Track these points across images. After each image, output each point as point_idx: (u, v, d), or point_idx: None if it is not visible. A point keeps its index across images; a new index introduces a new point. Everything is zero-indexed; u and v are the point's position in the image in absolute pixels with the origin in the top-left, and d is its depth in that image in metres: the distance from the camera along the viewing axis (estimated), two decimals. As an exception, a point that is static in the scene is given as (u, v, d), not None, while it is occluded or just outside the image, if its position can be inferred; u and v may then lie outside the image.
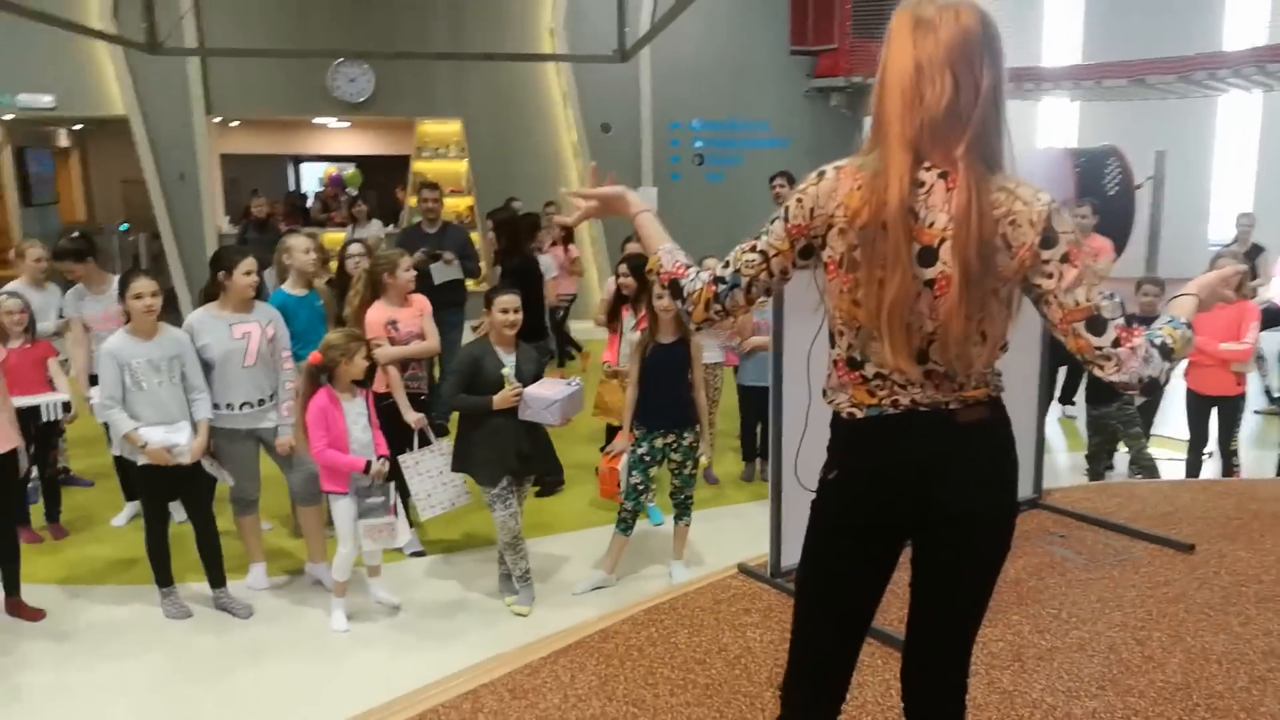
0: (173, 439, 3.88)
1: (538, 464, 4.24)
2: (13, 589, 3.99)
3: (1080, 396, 6.42)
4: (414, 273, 4.76)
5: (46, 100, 10.40)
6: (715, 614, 3.36)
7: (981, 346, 1.70)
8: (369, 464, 3.91)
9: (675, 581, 4.29)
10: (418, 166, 11.45)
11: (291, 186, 15.01)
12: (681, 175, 12.02)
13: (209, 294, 4.21)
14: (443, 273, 6.56)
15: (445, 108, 11.30)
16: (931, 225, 1.66)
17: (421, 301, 4.73)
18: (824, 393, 1.87)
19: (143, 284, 3.85)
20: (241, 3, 10.51)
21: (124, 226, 13.11)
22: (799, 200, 1.75)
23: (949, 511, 1.75)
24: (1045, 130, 15.10)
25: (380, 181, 13.36)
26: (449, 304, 6.34)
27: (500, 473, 4.02)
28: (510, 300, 4.08)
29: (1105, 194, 11.78)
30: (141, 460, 3.86)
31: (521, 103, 11.44)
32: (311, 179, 15.17)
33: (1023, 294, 1.73)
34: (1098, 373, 1.73)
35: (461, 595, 4.30)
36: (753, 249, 1.81)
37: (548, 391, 3.99)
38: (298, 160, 15.22)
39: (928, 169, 1.67)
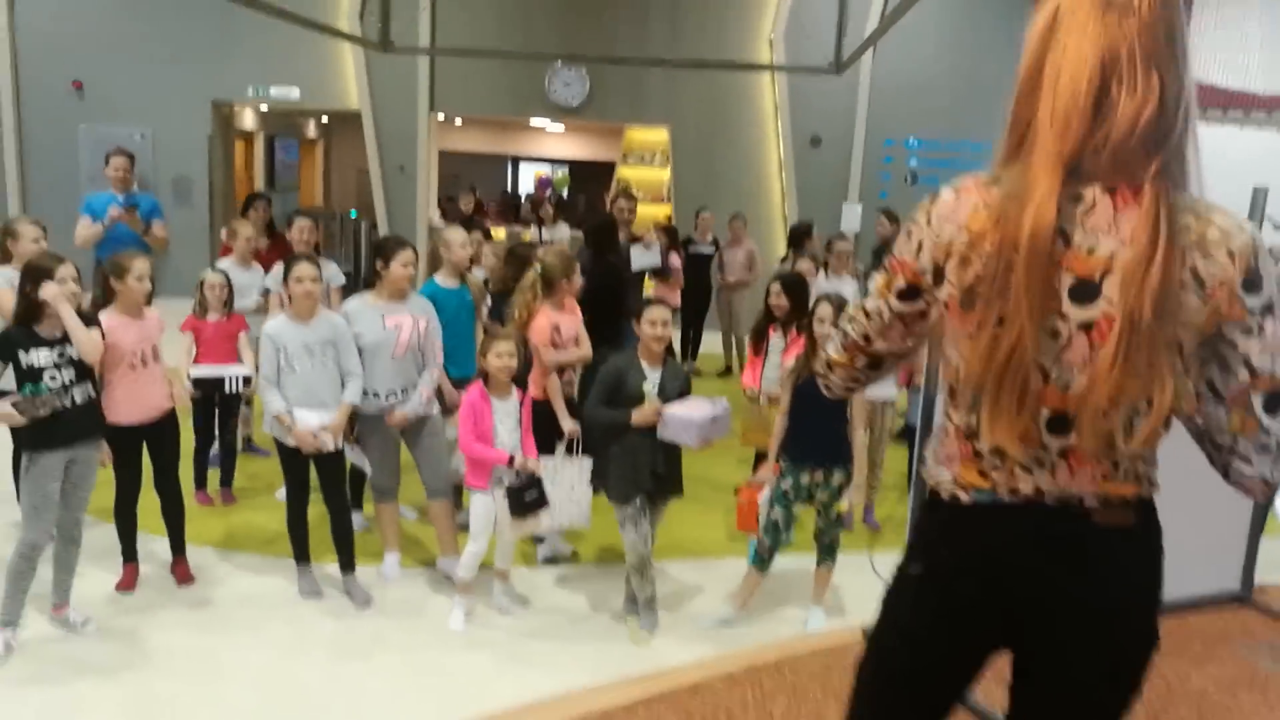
0: (318, 421, 3.96)
1: (672, 486, 4.03)
2: (178, 548, 4.21)
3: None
4: (581, 279, 4.72)
5: (294, 93, 11.26)
6: (824, 682, 3.02)
7: (1143, 420, 1.29)
8: (512, 458, 3.87)
9: (810, 629, 4.03)
10: (622, 172, 11.54)
11: (509, 186, 15.59)
12: (889, 194, 11.45)
13: (369, 282, 4.30)
14: (641, 258, 6.41)
15: (654, 114, 11.32)
16: (1092, 252, 1.30)
17: (576, 307, 4.67)
18: (921, 459, 1.55)
19: (304, 269, 3.97)
20: (470, 6, 10.95)
21: (354, 214, 14.04)
22: (908, 232, 1.46)
23: (1054, 637, 1.38)
24: (1243, 166, 13.17)
25: (589, 186, 13.62)
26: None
27: (633, 492, 3.85)
28: (660, 314, 3.93)
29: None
30: (289, 441, 3.98)
31: (731, 112, 11.28)
32: (528, 179, 15.70)
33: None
34: (1238, 465, 1.34)
35: (587, 612, 4.16)
36: (863, 310, 1.55)
37: (690, 411, 3.78)
38: (516, 160, 15.79)
39: (1087, 184, 1.30)
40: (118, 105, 10.99)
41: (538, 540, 4.59)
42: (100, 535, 4.35)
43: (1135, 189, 1.28)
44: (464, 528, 4.20)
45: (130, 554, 4.11)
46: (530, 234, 8.83)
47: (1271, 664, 3.27)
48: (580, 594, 4.32)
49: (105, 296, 4.04)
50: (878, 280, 1.51)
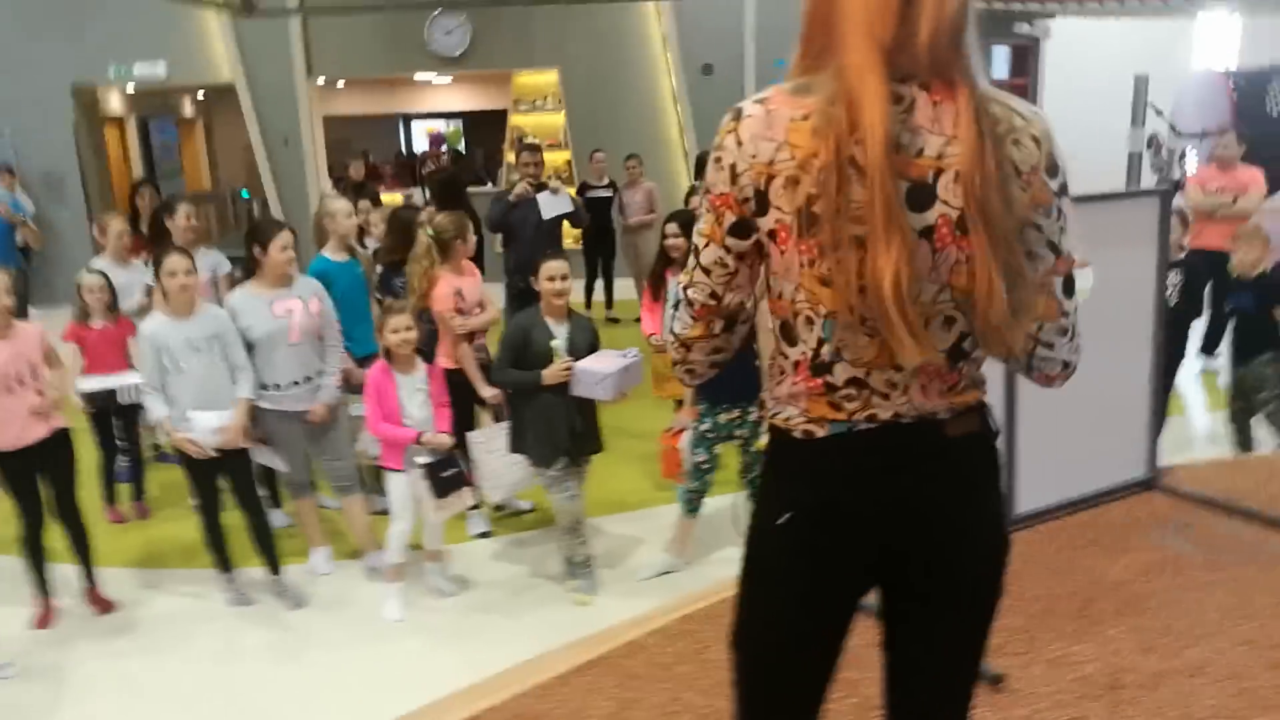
0: (216, 423, 3.81)
1: (592, 443, 3.99)
2: (89, 578, 4.03)
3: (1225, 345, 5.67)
4: (475, 238, 4.58)
5: (160, 70, 10.67)
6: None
7: (1014, 321, 1.28)
8: (421, 435, 3.78)
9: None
10: (515, 120, 11.26)
11: (402, 146, 15.14)
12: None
13: (248, 271, 4.10)
14: (551, 205, 6.24)
15: (542, 57, 11.01)
16: (920, 154, 1.24)
17: (475, 269, 4.56)
18: (760, 404, 1.48)
19: (175, 261, 3.77)
20: (335, -38, 10.45)
21: (245, 194, 13.50)
22: (717, 160, 1.31)
23: (938, 555, 1.38)
24: (1200, 51, 13.60)
25: (484, 136, 13.30)
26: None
27: (553, 454, 3.81)
28: (558, 267, 3.86)
29: (1268, 119, 10.54)
30: (189, 448, 3.81)
31: (620, 48, 11.04)
32: (421, 138, 15.26)
33: None
34: (1041, 351, 1.37)
35: (527, 581, 4.13)
36: (699, 269, 1.38)
37: (601, 365, 3.74)
38: (406, 118, 15.32)
39: (902, 82, 1.24)
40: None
41: (473, 509, 4.49)
42: (10, 568, 4.15)
43: (947, 83, 1.24)
44: (384, 512, 4.11)
45: (43, 587, 3.93)
46: (416, 196, 8.57)
47: (1182, 544, 3.41)
48: (519, 564, 4.30)
49: None
50: (702, 227, 1.36)
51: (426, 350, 4.17)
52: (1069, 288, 1.35)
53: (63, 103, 10.60)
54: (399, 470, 3.85)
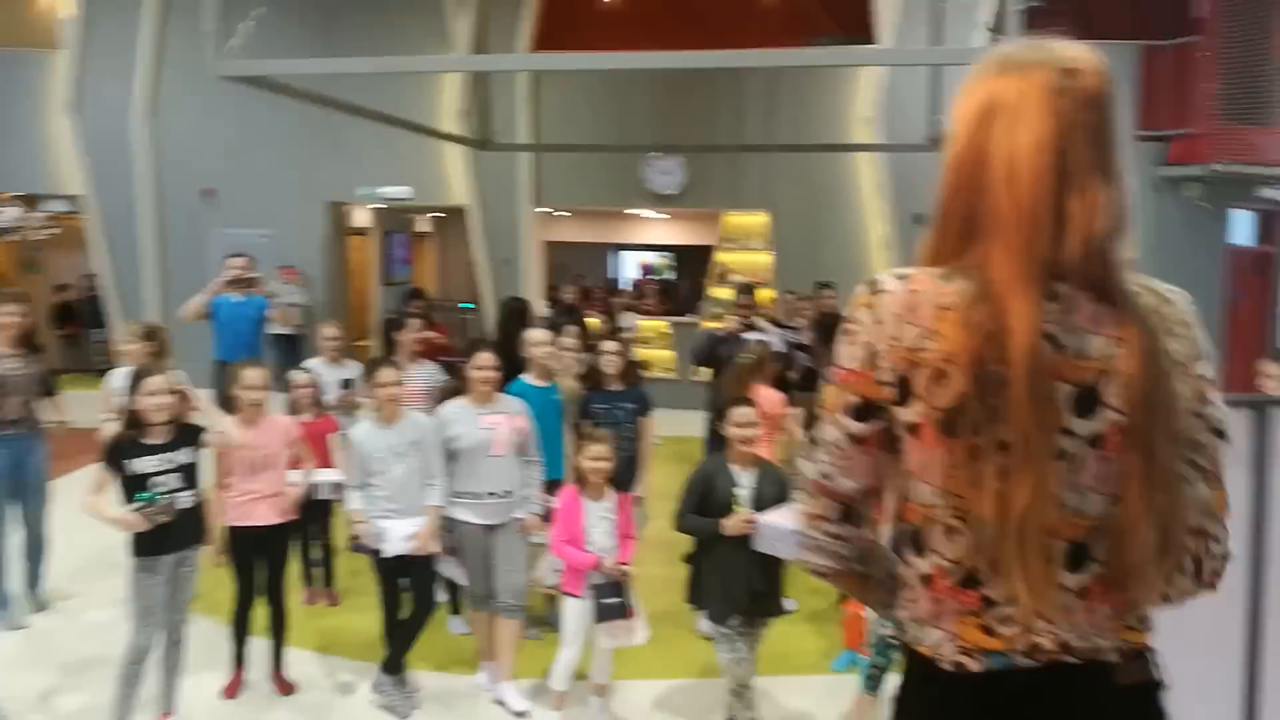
0: (409, 530, 3.97)
1: (773, 604, 3.77)
2: (278, 658, 4.25)
3: None
4: None
5: (403, 192, 11.75)
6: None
7: (1165, 553, 1.16)
8: (600, 561, 3.78)
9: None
10: (720, 257, 11.55)
11: (611, 273, 15.83)
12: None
13: (459, 386, 4.32)
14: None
15: (753, 199, 11.33)
16: (1082, 355, 1.15)
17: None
18: (898, 625, 1.28)
19: (386, 373, 4.04)
20: (568, 102, 11.28)
21: (468, 305, 14.42)
22: (849, 333, 1.23)
23: None
24: None
25: (691, 269, 13.70)
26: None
27: (728, 610, 3.65)
28: (744, 413, 3.74)
29: None
30: (381, 547, 3.98)
31: (830, 194, 11.21)
32: (630, 266, 15.93)
33: None
34: (1211, 548, 1.22)
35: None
36: (821, 440, 1.28)
37: (787, 520, 3.58)
38: (620, 248, 16.05)
39: (1059, 279, 1.16)
40: (243, 210, 11.66)
41: None
42: (210, 634, 4.43)
43: (1102, 288, 1.17)
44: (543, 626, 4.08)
45: (240, 660, 4.18)
46: (599, 323, 8.82)
47: None
48: (681, 714, 4.15)
49: (226, 402, 4.18)
50: (825, 399, 1.27)
51: (622, 479, 4.18)
52: (1218, 479, 1.23)
53: (317, 215, 11.84)
54: (576, 596, 3.85)
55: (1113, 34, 10.52)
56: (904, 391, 1.18)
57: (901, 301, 1.19)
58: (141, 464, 3.62)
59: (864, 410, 1.22)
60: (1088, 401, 1.15)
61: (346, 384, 5.35)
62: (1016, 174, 1.14)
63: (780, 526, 3.51)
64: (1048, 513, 1.13)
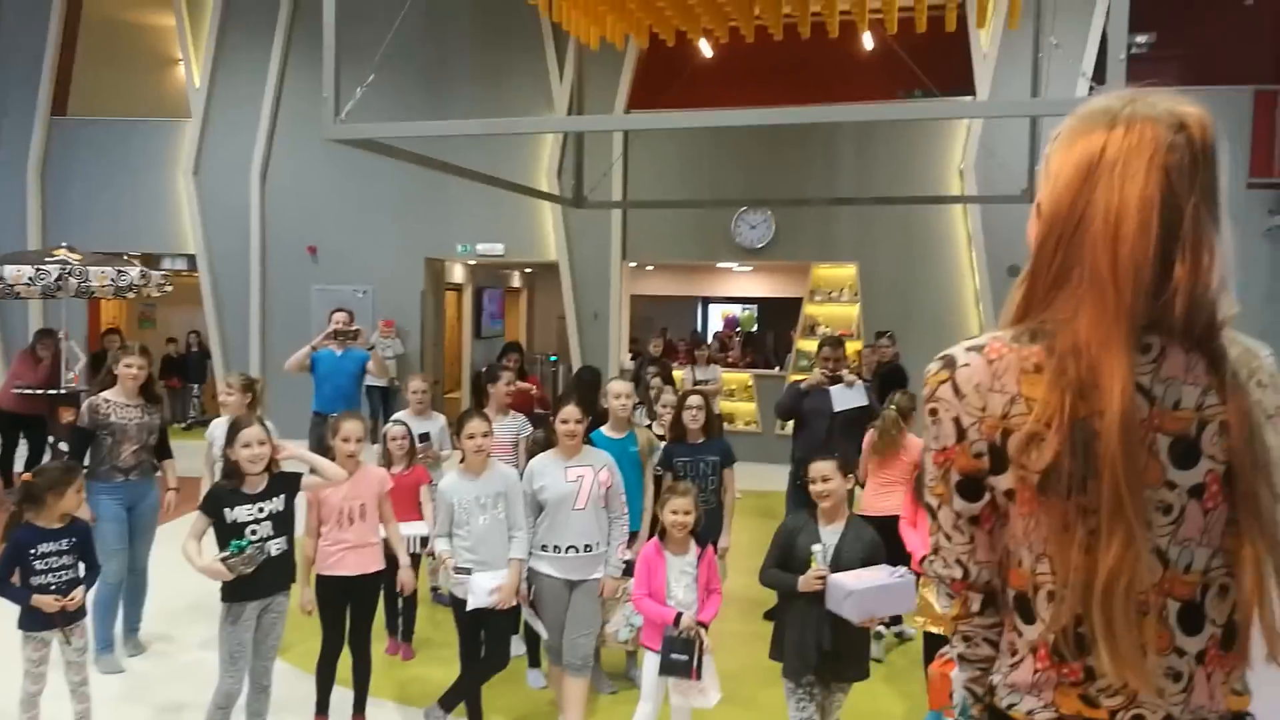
0: (493, 584, 3.99)
1: (850, 668, 3.62)
2: (359, 706, 4.29)
3: None
4: None
5: (499, 249, 12.05)
6: None
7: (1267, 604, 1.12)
8: (679, 616, 3.71)
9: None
10: (809, 310, 11.45)
11: (698, 325, 15.85)
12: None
13: (549, 440, 4.34)
14: (844, 398, 6.13)
15: (842, 252, 11.25)
16: (1178, 406, 1.13)
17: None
18: (991, 690, 1.25)
19: (475, 425, 4.08)
20: (658, 159, 11.44)
21: (553, 358, 14.63)
22: (932, 414, 1.22)
23: None
24: None
25: (777, 322, 13.62)
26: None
27: (801, 668, 3.54)
28: (824, 468, 3.64)
29: None
30: (465, 597, 4.00)
31: (922, 245, 11.05)
32: (716, 319, 15.93)
33: None
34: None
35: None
36: (942, 536, 1.27)
37: (855, 580, 3.43)
38: (705, 301, 16.08)
39: (1150, 330, 1.14)
40: (343, 266, 12.12)
41: None
42: (286, 683, 4.50)
43: (1204, 335, 1.16)
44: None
45: (324, 707, 4.22)
46: (683, 374, 8.79)
47: None
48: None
49: (322, 452, 4.29)
50: (933, 486, 1.26)
51: (705, 532, 4.13)
52: None
53: (415, 271, 12.21)
54: (655, 651, 3.79)
55: (1222, 78, 10.18)
56: (998, 459, 1.18)
57: (981, 371, 1.18)
58: (238, 512, 3.72)
59: (970, 487, 1.22)
60: (1187, 452, 1.12)
61: (424, 438, 5.40)
62: (1122, 232, 1.11)
63: (845, 585, 3.42)
64: (1141, 577, 1.08)
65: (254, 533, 3.72)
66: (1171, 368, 1.13)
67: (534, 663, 4.87)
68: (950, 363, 1.22)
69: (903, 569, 3.55)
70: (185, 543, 3.67)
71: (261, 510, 3.76)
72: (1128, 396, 1.08)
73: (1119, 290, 1.11)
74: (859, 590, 3.39)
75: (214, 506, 3.72)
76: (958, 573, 1.26)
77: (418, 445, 5.34)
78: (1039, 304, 1.19)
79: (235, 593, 3.72)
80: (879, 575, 3.49)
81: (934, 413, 1.22)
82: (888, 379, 6.44)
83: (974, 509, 1.23)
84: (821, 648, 3.50)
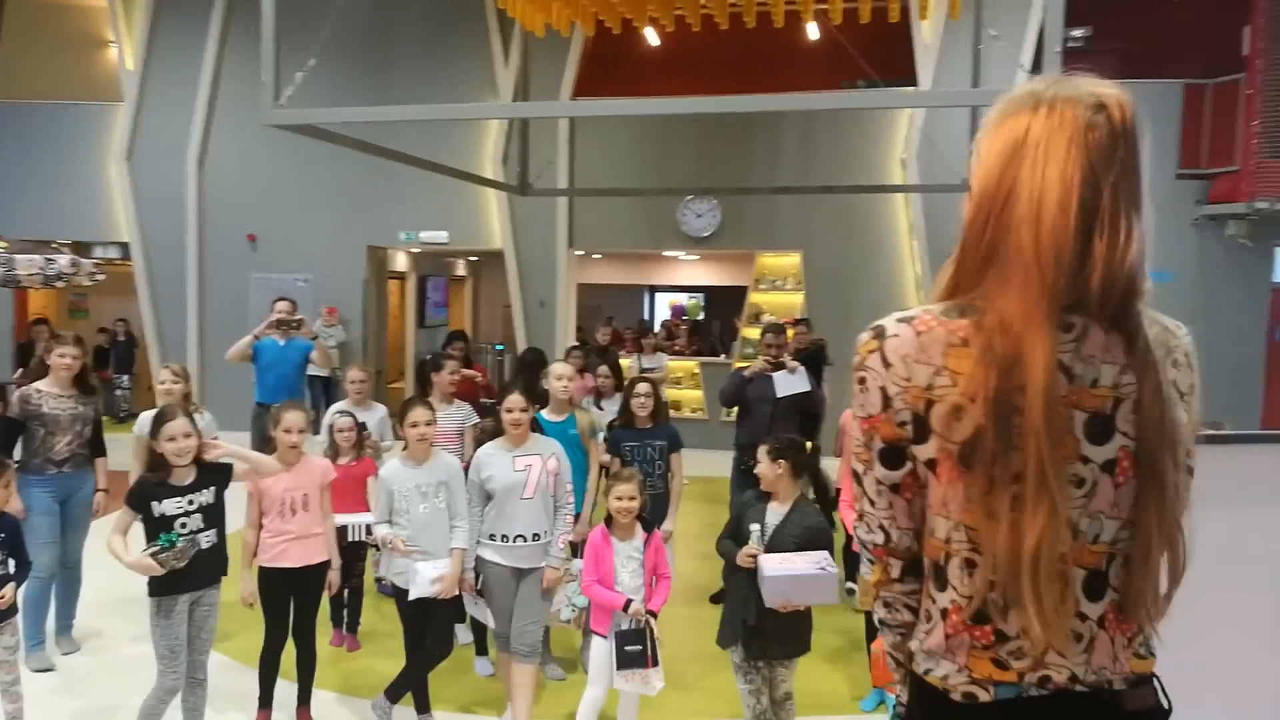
0: (435, 573, 3.96)
1: (775, 645, 3.62)
2: (304, 699, 4.23)
3: None
4: None
5: (443, 236, 11.93)
6: None
7: (1175, 576, 1.21)
8: (629, 603, 3.73)
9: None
10: (754, 298, 11.55)
11: (644, 313, 15.89)
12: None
13: (497, 428, 4.31)
14: (787, 384, 6.21)
15: (786, 241, 11.36)
16: (1096, 384, 1.17)
17: None
18: (911, 658, 1.29)
19: (418, 414, 4.05)
20: (605, 148, 11.42)
21: (499, 347, 14.55)
22: (860, 381, 1.26)
23: None
24: None
25: (723, 310, 13.72)
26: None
27: (729, 638, 3.63)
28: (764, 451, 3.68)
29: None
30: (407, 587, 3.97)
31: (864, 235, 11.19)
32: (663, 307, 15.98)
33: None
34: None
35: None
36: (866, 500, 1.30)
37: (780, 566, 3.43)
38: (653, 290, 16.13)
39: (1072, 310, 1.18)
40: (284, 255, 11.90)
41: None
42: (227, 676, 4.42)
43: (1115, 320, 1.20)
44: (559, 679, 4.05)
45: (267, 701, 4.15)
46: (629, 362, 8.82)
47: None
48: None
49: (264, 443, 4.21)
50: (856, 459, 1.29)
51: (649, 518, 4.15)
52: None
53: (357, 259, 12.04)
54: (603, 635, 3.81)
55: (1154, 73, 10.46)
56: (920, 429, 1.21)
57: (909, 343, 1.21)
58: (166, 505, 3.61)
59: (892, 455, 1.25)
60: (1102, 428, 1.16)
61: (362, 427, 5.30)
62: (1044, 211, 1.14)
63: (766, 569, 3.44)
64: (1062, 542, 1.14)
65: (184, 526, 3.61)
66: (1091, 346, 1.17)
67: (481, 651, 4.86)
68: (880, 333, 1.24)
69: (828, 561, 3.51)
70: (110, 538, 3.55)
71: (191, 503, 3.65)
72: (1050, 372, 1.11)
73: (1041, 268, 1.14)
74: (773, 576, 3.41)
75: (141, 501, 3.60)
76: (879, 538, 1.29)
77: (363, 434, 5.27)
78: (969, 280, 1.22)
79: (165, 587, 3.60)
80: (804, 564, 3.48)
81: (862, 381, 1.25)
82: (807, 362, 6.61)
83: (895, 476, 1.25)
84: (748, 622, 3.55)
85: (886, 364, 1.22)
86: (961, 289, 1.23)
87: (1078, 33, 9.85)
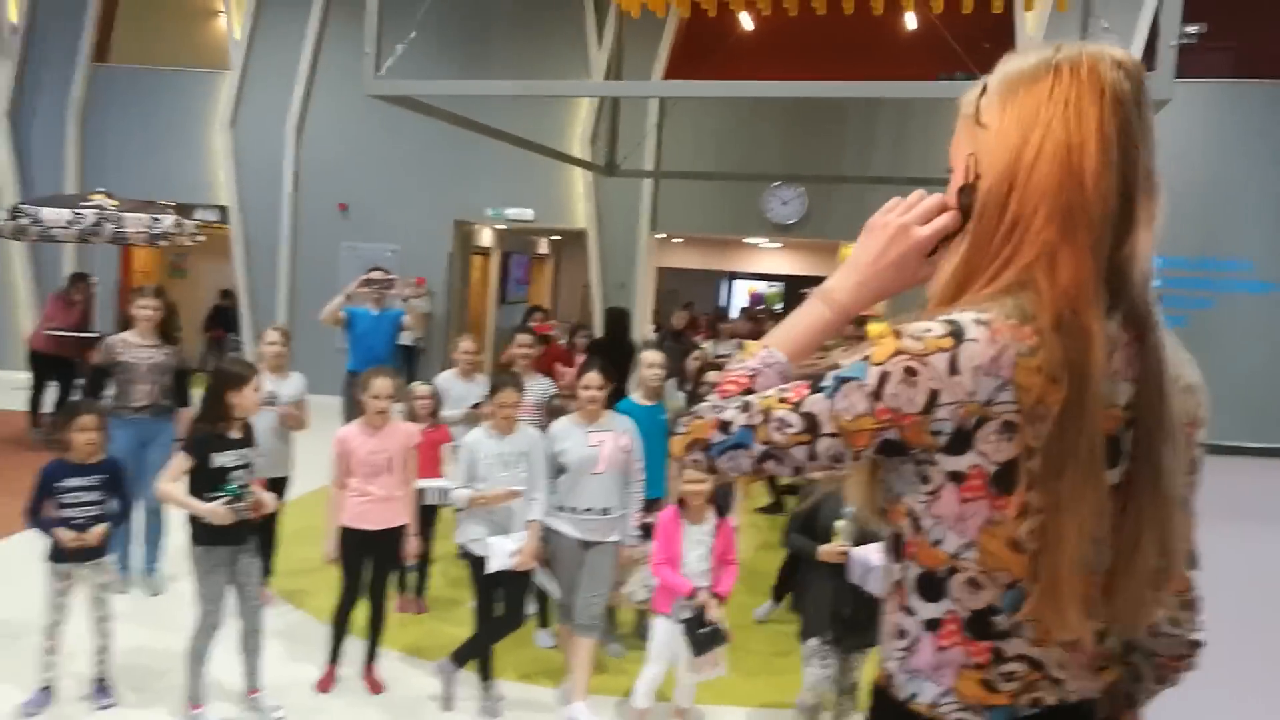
0: (514, 547, 4.03)
1: (869, 633, 3.64)
2: (371, 657, 4.35)
3: None
4: None
5: (528, 214, 12.05)
6: None
7: (1161, 591, 1.15)
8: (695, 591, 3.74)
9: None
10: (837, 289, 11.38)
11: (723, 301, 15.82)
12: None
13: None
14: None
15: (873, 233, 11.15)
16: (1112, 405, 1.08)
17: None
18: (888, 678, 1.21)
19: (507, 395, 4.11)
20: (693, 130, 11.37)
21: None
22: (908, 371, 1.07)
23: None
24: None
25: (802, 300, 13.57)
26: None
27: (816, 629, 3.64)
28: None
29: None
30: (483, 556, 4.04)
31: (954, 230, 10.94)
32: (741, 294, 15.89)
33: None
34: (1169, 629, 1.24)
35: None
36: (795, 406, 1.12)
37: (879, 556, 3.49)
38: (732, 276, 16.04)
39: (1109, 310, 1.09)
40: (373, 225, 12.17)
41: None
42: (301, 632, 4.57)
43: (1142, 320, 1.11)
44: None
45: (336, 656, 4.29)
46: (708, 347, 8.83)
47: None
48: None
49: (354, 409, 4.33)
50: (844, 420, 1.10)
51: (722, 503, 4.15)
52: (1193, 559, 1.23)
53: (444, 233, 12.24)
54: (665, 615, 3.83)
55: (1270, 73, 9.96)
56: (961, 442, 1.08)
57: (984, 352, 1.05)
58: (223, 458, 3.74)
59: (895, 449, 1.12)
60: (1115, 451, 1.09)
61: (476, 406, 5.39)
62: (1086, 165, 1.06)
63: (868, 561, 3.47)
64: (1087, 552, 1.08)
65: (235, 479, 3.75)
66: (1118, 362, 1.09)
67: (543, 623, 4.93)
68: (958, 334, 1.07)
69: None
70: (166, 484, 3.69)
71: (241, 458, 3.81)
72: (1102, 365, 1.04)
73: (1090, 223, 1.06)
74: (878, 566, 3.42)
75: (200, 450, 3.73)
76: (736, 429, 1.14)
77: (470, 409, 5.34)
78: (988, 263, 1.11)
79: (210, 538, 3.73)
80: (875, 554, 3.50)
81: (911, 373, 1.07)
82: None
83: (872, 457, 1.14)
84: (841, 615, 3.57)
85: (954, 371, 1.06)
86: (978, 273, 1.11)
87: (1191, 29, 9.42)
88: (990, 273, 1.10)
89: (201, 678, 3.85)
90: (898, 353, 1.08)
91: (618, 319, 8.45)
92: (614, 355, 6.12)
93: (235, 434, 3.82)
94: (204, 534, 3.74)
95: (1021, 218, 1.08)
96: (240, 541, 3.82)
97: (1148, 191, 1.09)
